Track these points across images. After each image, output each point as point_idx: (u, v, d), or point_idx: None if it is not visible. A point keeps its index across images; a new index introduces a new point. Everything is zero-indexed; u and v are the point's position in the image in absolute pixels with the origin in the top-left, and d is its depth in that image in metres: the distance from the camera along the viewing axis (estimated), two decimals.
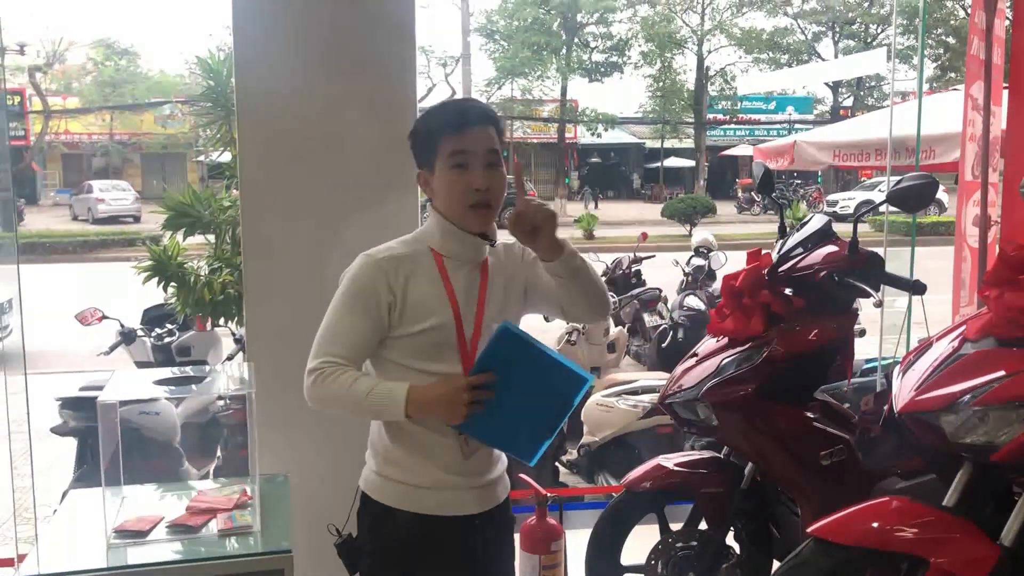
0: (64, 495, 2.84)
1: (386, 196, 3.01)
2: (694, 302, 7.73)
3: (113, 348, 5.22)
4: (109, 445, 2.39)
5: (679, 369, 3.00)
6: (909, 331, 4.27)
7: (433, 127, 1.95)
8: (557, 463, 5.10)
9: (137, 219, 25.96)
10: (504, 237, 2.05)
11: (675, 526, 3.08)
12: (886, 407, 2.64)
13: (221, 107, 3.94)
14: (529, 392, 1.87)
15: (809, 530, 2.26)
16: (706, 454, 3.12)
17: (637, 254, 9.10)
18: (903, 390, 2.37)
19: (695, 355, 3.00)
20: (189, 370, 2.88)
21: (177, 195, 3.89)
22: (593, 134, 33.33)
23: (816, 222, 3.07)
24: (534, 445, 1.92)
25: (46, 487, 5.46)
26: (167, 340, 5.24)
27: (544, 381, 1.87)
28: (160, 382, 2.62)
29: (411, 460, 1.95)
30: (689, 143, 34.82)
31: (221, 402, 4.64)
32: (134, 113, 32.99)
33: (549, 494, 3.18)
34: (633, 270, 9.01)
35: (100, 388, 2.41)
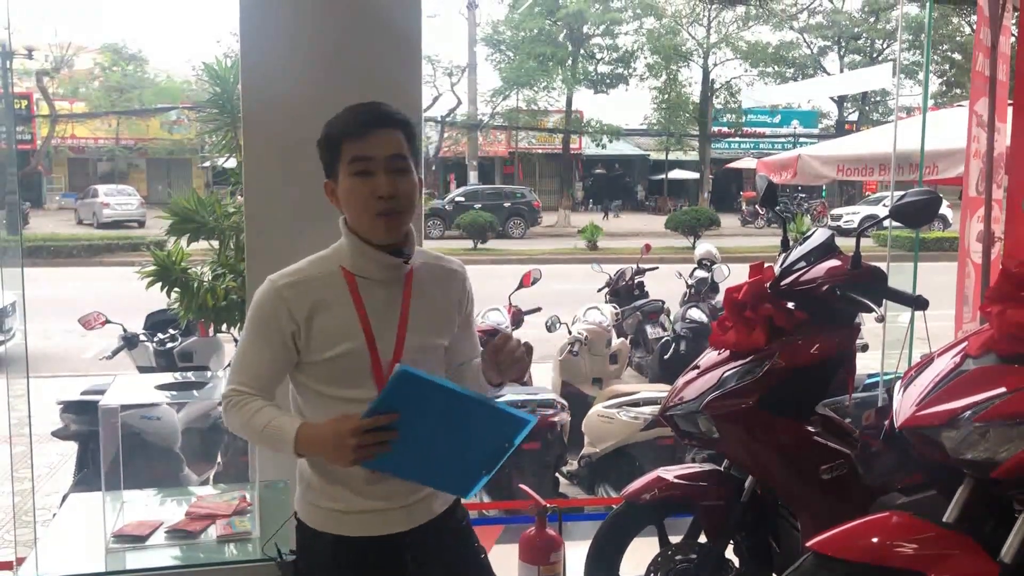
0: (64, 498, 2.84)
1: None
2: (696, 314, 7.72)
3: (115, 352, 5.23)
4: (110, 449, 2.39)
5: (681, 381, 3.00)
6: (911, 346, 4.26)
7: (334, 133, 1.83)
8: (557, 474, 5.09)
9: (142, 224, 26.01)
10: (445, 258, 2.01)
11: (675, 539, 3.07)
12: (887, 422, 2.64)
13: (227, 113, 3.95)
14: (450, 432, 1.71)
15: (809, 544, 2.25)
16: (707, 467, 3.12)
17: (640, 266, 9.11)
18: (904, 405, 2.37)
19: (697, 367, 3.00)
20: (191, 375, 2.88)
21: (182, 200, 3.89)
22: (598, 145, 33.40)
23: (819, 236, 3.08)
24: (467, 481, 1.80)
25: (48, 490, 5.48)
26: (169, 345, 5.24)
27: (468, 422, 1.70)
28: (161, 387, 2.63)
29: (327, 486, 1.88)
30: (694, 155, 34.89)
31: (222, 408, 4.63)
32: (140, 118, 33.14)
33: (549, 505, 3.18)
34: (636, 281, 9.01)
35: (102, 392, 2.42)
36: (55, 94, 30.09)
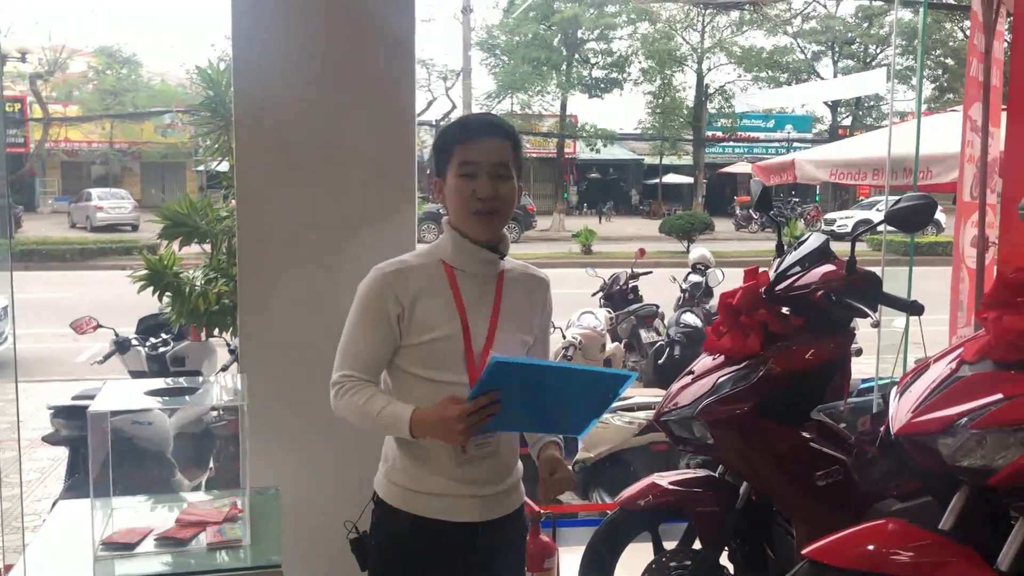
0: (55, 504, 2.81)
1: (383, 208, 3.00)
2: (691, 319, 7.71)
3: (107, 357, 5.20)
4: (99, 455, 2.37)
5: (675, 387, 2.98)
6: (906, 352, 4.26)
7: (448, 137, 2.03)
8: None
9: (135, 228, 25.95)
10: (536, 269, 2.18)
11: (669, 545, 3.05)
12: (883, 428, 2.63)
13: (220, 117, 3.94)
14: (553, 394, 1.85)
15: (804, 552, 2.24)
16: (701, 473, 3.10)
17: (634, 270, 9.09)
18: (900, 412, 2.35)
19: (691, 372, 2.99)
20: (183, 380, 2.86)
21: (174, 204, 3.88)
22: (592, 149, 33.39)
23: (814, 241, 3.07)
24: (576, 426, 1.96)
25: (40, 495, 5.44)
26: (162, 350, 5.21)
27: (568, 385, 1.86)
28: (153, 392, 2.60)
29: (413, 467, 2.03)
30: (688, 160, 34.89)
31: (215, 413, 4.62)
32: (134, 122, 33.03)
33: (542, 511, 3.16)
34: (630, 286, 8.99)
35: (92, 397, 2.39)
36: (49, 97, 29.96)
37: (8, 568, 2.60)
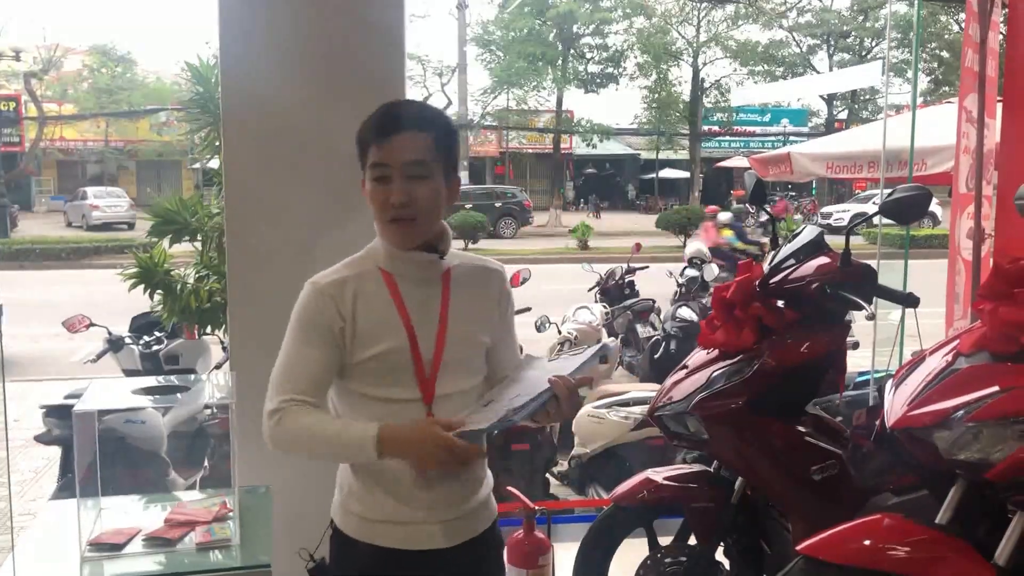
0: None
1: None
2: (687, 313, 7.69)
3: (100, 356, 5.17)
4: (86, 455, 2.34)
5: (669, 381, 2.97)
6: (902, 344, 4.24)
7: (363, 135, 1.82)
8: (548, 475, 5.06)
9: (131, 226, 25.89)
10: (487, 261, 2.00)
11: (664, 540, 3.04)
12: (878, 422, 2.61)
13: (210, 113, 3.91)
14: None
15: (799, 548, 2.22)
16: (696, 468, 3.08)
17: (631, 264, 9.08)
18: (896, 405, 2.33)
19: (685, 367, 2.97)
20: (174, 379, 2.83)
21: (164, 202, 3.85)
22: (588, 145, 33.38)
23: (808, 233, 3.04)
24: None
25: (33, 495, 5.42)
26: (155, 348, 5.19)
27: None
28: (144, 390, 2.57)
29: (370, 494, 1.86)
30: (684, 154, 34.89)
31: (208, 411, 4.59)
32: (130, 120, 32.98)
33: (537, 507, 3.14)
34: (626, 281, 8.98)
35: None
36: (43, 96, 29.91)
37: None
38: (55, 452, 4.70)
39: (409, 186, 1.77)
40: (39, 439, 4.42)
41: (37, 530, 2.47)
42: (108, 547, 2.21)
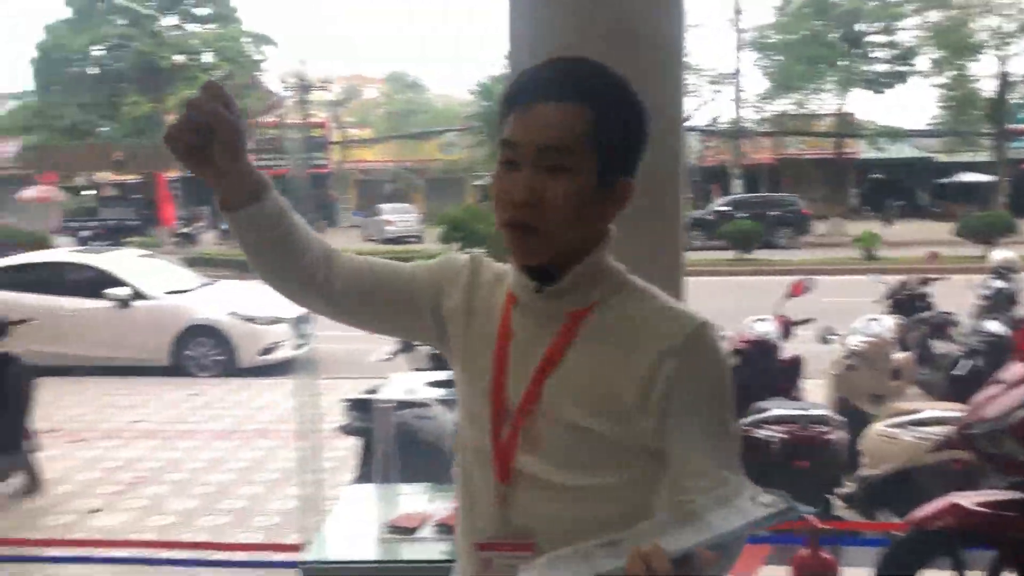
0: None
1: (648, 215, 2.94)
2: (995, 327, 6.96)
3: (394, 355, 5.59)
4: (384, 444, 2.52)
5: (981, 397, 2.69)
6: None
7: (504, 97, 1.34)
8: (831, 495, 4.76)
9: (420, 239, 27.86)
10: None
11: (972, 575, 2.74)
12: None
13: (493, 128, 4.08)
14: None
15: None
16: (1012, 495, 2.76)
17: (926, 276, 8.42)
18: None
19: (1001, 382, 2.67)
20: None
21: (451, 211, 4.07)
22: (875, 148, 31.37)
23: None
24: None
25: (337, 482, 5.96)
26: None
27: None
28: (433, 384, 2.73)
29: None
30: (984, 156, 31.72)
31: None
32: (420, 141, 35.66)
33: (822, 526, 2.96)
34: (920, 292, 8.31)
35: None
36: (345, 122, 33.11)
37: (303, 545, 2.84)
38: (355, 442, 5.10)
39: (540, 179, 1.26)
40: (342, 429, 4.82)
41: (338, 513, 2.70)
42: (402, 530, 2.37)
